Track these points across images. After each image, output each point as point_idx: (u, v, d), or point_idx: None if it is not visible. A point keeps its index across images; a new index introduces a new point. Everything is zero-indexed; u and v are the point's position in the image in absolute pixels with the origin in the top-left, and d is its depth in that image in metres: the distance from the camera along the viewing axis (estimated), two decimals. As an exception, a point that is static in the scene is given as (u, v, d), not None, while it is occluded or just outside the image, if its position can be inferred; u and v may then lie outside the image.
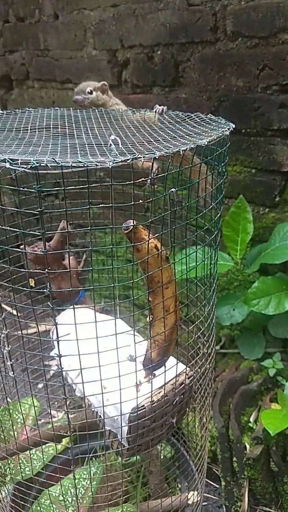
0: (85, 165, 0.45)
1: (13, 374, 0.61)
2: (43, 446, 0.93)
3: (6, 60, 2.16)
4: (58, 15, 1.85)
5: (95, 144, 0.64)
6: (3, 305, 0.70)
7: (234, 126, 0.69)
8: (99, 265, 1.36)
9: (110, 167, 0.46)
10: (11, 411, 0.99)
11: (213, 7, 1.38)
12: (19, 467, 0.96)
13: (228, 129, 0.65)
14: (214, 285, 0.78)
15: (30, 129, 0.78)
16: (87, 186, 0.47)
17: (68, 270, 0.87)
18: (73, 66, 1.85)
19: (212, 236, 0.67)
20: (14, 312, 0.74)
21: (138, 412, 0.66)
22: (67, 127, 0.80)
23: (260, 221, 1.49)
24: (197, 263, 0.68)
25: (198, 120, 0.80)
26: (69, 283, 1.09)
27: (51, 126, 0.80)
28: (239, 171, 1.48)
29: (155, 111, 0.93)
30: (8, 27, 2.10)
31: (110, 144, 0.62)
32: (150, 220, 0.52)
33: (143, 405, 0.67)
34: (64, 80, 1.92)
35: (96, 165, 0.46)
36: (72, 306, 0.99)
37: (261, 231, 1.50)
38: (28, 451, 0.92)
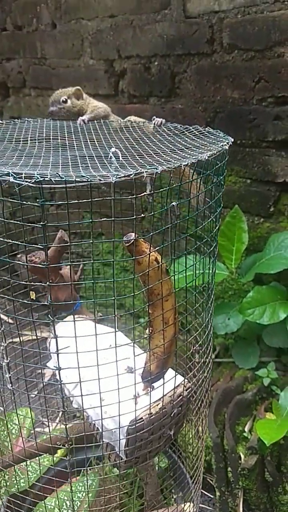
0: (89, 180, 0.46)
1: (11, 386, 0.61)
2: (39, 457, 0.93)
3: (3, 67, 2.17)
4: (56, 24, 1.86)
5: (96, 156, 0.65)
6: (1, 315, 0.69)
7: (232, 140, 0.70)
8: (93, 273, 1.36)
9: (113, 182, 0.46)
10: (6, 421, 0.98)
11: (210, 19, 1.40)
12: (13, 479, 0.95)
13: (227, 143, 0.66)
14: (212, 295, 0.79)
15: (30, 140, 0.78)
16: (89, 200, 0.47)
17: (69, 282, 0.87)
18: (70, 75, 1.86)
19: (212, 248, 0.67)
20: (9, 321, 0.74)
21: (137, 425, 0.66)
22: (67, 138, 0.81)
23: (255, 231, 1.50)
24: (196, 274, 0.69)
25: (197, 133, 0.80)
26: (66, 292, 1.09)
27: (51, 137, 0.80)
28: (234, 181, 1.50)
29: (154, 124, 0.93)
30: (6, 35, 2.11)
31: (111, 157, 0.63)
32: (151, 233, 0.53)
33: (142, 418, 0.67)
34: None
35: (100, 180, 0.46)
36: (69, 317, 0.98)
37: (256, 240, 1.51)
38: (23, 462, 0.91)
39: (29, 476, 0.97)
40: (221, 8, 1.37)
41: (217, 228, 0.69)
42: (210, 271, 0.75)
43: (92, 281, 0.58)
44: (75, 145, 0.76)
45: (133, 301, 0.57)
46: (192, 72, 1.49)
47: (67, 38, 1.83)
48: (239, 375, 1.44)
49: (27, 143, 0.76)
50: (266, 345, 1.46)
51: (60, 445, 0.80)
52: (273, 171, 1.40)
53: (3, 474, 0.91)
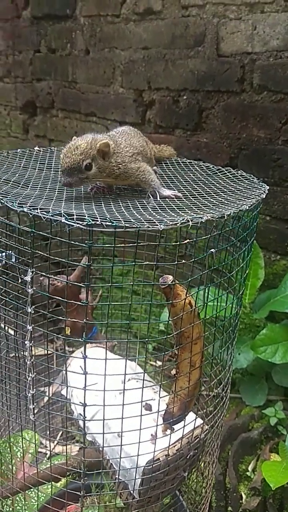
0: (138, 228, 0.47)
1: (34, 417, 0.61)
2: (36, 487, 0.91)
3: (33, 87, 2.23)
4: (89, 50, 1.91)
5: (133, 194, 0.66)
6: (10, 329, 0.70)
7: (267, 188, 0.72)
8: (104, 298, 1.37)
9: (160, 229, 0.48)
10: (11, 444, 0.98)
11: (242, 60, 1.44)
12: (16, 505, 0.94)
13: (264, 191, 0.68)
14: (235, 332, 0.79)
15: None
16: (135, 244, 0.49)
17: (87, 306, 0.88)
18: (98, 101, 1.91)
19: (241, 292, 0.68)
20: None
21: (153, 466, 0.66)
22: None
23: (270, 267, 1.51)
24: (224, 315, 0.70)
25: (230, 176, 0.82)
26: (83, 318, 1.09)
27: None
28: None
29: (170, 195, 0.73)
30: (39, 56, 2.17)
31: (148, 196, 0.64)
32: (189, 279, 0.54)
33: (159, 459, 0.66)
34: (89, 113, 1.97)
35: (148, 227, 0.48)
36: (85, 344, 0.99)
37: (271, 277, 1.51)
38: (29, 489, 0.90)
39: (32, 503, 0.96)
40: (254, 50, 1.41)
41: (245, 273, 0.70)
42: (236, 309, 0.76)
43: (106, 303, 0.59)
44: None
45: (164, 344, 0.57)
46: (220, 108, 1.53)
47: (99, 65, 1.88)
48: (245, 413, 1.42)
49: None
50: (274, 383, 1.44)
51: (66, 473, 0.80)
52: (293, 211, 1.41)
53: (6, 501, 0.90)
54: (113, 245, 0.48)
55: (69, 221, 0.47)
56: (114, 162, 0.74)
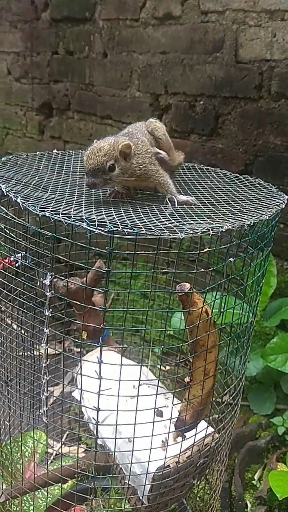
0: (159, 235, 0.47)
1: (47, 420, 0.62)
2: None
3: (49, 88, 2.24)
4: (107, 53, 1.92)
5: (150, 200, 0.66)
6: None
7: (287, 198, 0.72)
8: (115, 301, 1.37)
9: (181, 238, 0.48)
10: (19, 444, 0.98)
11: (260, 67, 1.43)
12: (23, 505, 0.95)
13: (283, 201, 0.68)
14: (249, 341, 0.79)
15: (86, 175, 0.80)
16: (155, 252, 0.49)
17: (102, 308, 0.88)
18: (115, 103, 1.92)
19: (257, 301, 0.68)
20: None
21: (164, 472, 0.66)
22: None
23: (283, 275, 1.50)
24: (238, 321, 0.70)
25: (248, 184, 0.82)
26: (96, 320, 1.09)
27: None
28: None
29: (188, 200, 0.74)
30: (56, 58, 2.19)
31: (166, 203, 0.64)
32: (207, 288, 0.54)
33: (169, 465, 0.67)
34: (105, 115, 1.98)
35: (169, 235, 0.48)
36: (99, 346, 0.99)
37: (283, 285, 1.50)
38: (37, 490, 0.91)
39: (39, 504, 0.96)
40: (273, 57, 1.40)
41: (261, 285, 0.70)
42: (250, 318, 0.76)
43: (124, 309, 0.59)
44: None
45: (180, 351, 0.58)
46: (236, 114, 1.52)
47: (117, 68, 1.89)
48: (253, 421, 1.41)
49: (84, 178, 0.78)
50: (283, 393, 1.44)
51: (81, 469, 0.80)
52: (308, 219, 1.41)
53: (13, 501, 0.90)
54: (133, 252, 0.48)
55: (90, 227, 0.47)
56: (136, 163, 0.76)
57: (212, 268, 0.52)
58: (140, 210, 0.64)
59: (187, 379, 0.63)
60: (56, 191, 0.71)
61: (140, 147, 0.78)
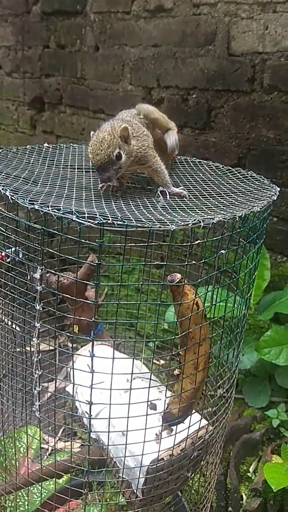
0: (149, 227, 0.47)
1: (40, 415, 0.61)
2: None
3: (41, 83, 2.22)
4: (99, 47, 1.91)
5: (142, 193, 0.66)
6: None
7: (279, 190, 0.71)
8: (109, 296, 1.37)
9: (172, 230, 0.48)
10: (14, 439, 0.98)
11: (252, 59, 1.43)
12: (18, 500, 0.94)
13: (275, 193, 0.67)
14: (242, 334, 0.79)
15: (77, 169, 0.80)
16: (146, 244, 0.48)
17: (94, 302, 0.88)
18: (107, 97, 1.90)
19: (249, 294, 0.68)
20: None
21: (157, 465, 0.66)
22: None
23: (276, 269, 1.50)
24: (231, 314, 0.70)
25: (240, 176, 0.82)
26: (89, 315, 1.09)
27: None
28: (261, 218, 1.51)
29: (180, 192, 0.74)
30: (48, 52, 2.17)
31: (158, 195, 0.64)
32: (199, 280, 0.54)
33: (163, 458, 0.67)
34: (97, 109, 1.96)
35: (159, 227, 0.48)
36: (88, 345, 0.99)
37: (277, 278, 1.51)
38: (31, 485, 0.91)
39: (33, 499, 0.96)
40: (265, 50, 1.40)
41: (254, 276, 0.70)
42: (243, 311, 0.76)
43: (116, 302, 0.59)
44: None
45: (172, 345, 0.57)
46: (229, 108, 1.52)
47: (109, 62, 1.87)
48: (248, 414, 1.42)
49: (75, 172, 0.78)
50: (277, 385, 1.44)
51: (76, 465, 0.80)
52: (301, 212, 1.41)
53: (8, 496, 0.90)
54: (123, 244, 0.48)
55: (80, 220, 0.46)
56: (136, 145, 0.76)
57: (203, 261, 0.51)
58: (131, 203, 0.64)
59: (176, 372, 0.63)
60: (47, 184, 0.71)
61: (137, 129, 0.78)
